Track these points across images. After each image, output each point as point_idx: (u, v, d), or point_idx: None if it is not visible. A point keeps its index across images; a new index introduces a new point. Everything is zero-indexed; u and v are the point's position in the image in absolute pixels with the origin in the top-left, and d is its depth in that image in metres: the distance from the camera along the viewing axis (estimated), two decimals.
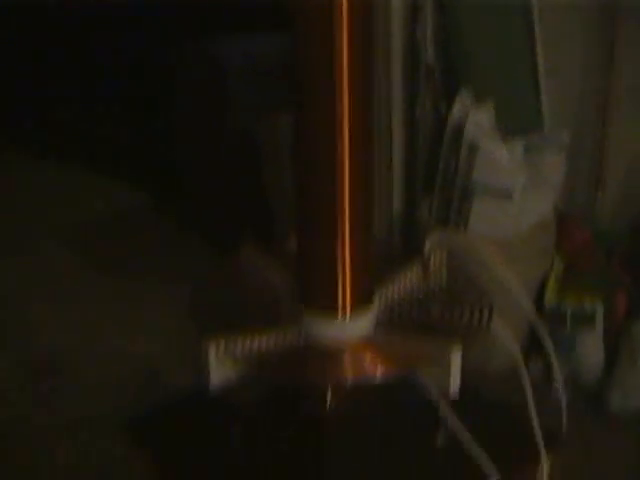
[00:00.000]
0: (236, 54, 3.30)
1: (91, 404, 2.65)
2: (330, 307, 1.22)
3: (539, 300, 2.64)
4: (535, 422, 1.45)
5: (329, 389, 1.20)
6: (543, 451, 1.44)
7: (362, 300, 1.24)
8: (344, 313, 1.23)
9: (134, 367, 2.69)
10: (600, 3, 2.68)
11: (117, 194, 4.34)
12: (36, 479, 2.35)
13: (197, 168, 3.68)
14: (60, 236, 3.90)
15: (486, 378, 1.33)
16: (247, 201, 3.34)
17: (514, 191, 2.51)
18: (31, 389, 2.78)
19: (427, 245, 1.41)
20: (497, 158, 2.49)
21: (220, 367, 1.17)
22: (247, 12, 3.54)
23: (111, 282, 3.48)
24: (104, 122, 4.51)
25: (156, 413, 1.58)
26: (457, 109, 2.61)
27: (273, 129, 3.05)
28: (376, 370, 1.14)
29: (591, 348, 2.63)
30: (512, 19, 2.75)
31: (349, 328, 1.23)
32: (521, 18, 2.75)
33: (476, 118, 2.54)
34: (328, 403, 1.20)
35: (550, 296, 2.65)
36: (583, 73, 2.78)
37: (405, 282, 1.37)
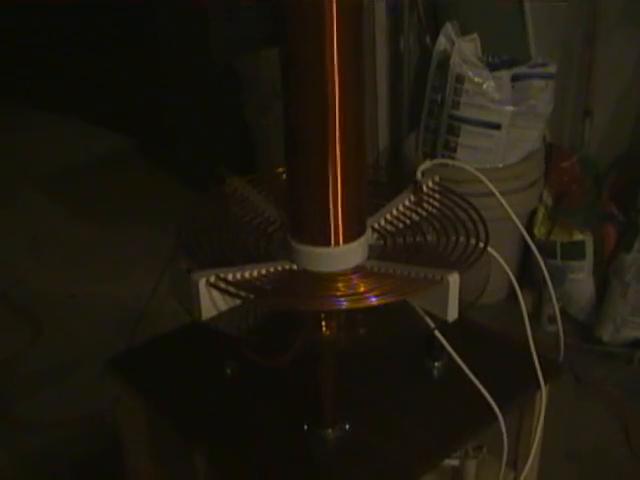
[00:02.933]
0: None
1: (79, 347, 2.64)
2: (322, 236, 1.19)
3: (528, 233, 2.61)
4: (533, 348, 1.43)
5: (323, 317, 1.17)
6: (542, 379, 1.42)
7: (354, 229, 1.21)
8: (336, 242, 1.19)
9: (123, 308, 2.68)
10: None
11: (98, 142, 4.30)
12: (23, 425, 2.34)
13: (179, 108, 3.62)
14: (43, 187, 3.86)
15: (480, 309, 1.29)
16: (229, 137, 3.30)
17: (502, 123, 2.47)
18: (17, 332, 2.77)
19: (419, 172, 1.38)
20: (484, 89, 2.45)
21: (211, 299, 1.14)
22: None
23: (97, 226, 3.46)
24: (86, 66, 4.41)
25: (146, 348, 1.56)
26: (442, 41, 2.56)
27: (254, 64, 3.00)
28: (371, 298, 1.10)
29: (581, 281, 2.63)
30: None
31: (342, 257, 1.20)
32: None
33: (462, 49, 2.49)
34: (323, 331, 1.17)
35: (539, 229, 2.63)
36: (570, 2, 2.72)
37: (398, 209, 1.34)
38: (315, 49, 1.09)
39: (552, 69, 2.56)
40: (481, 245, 1.23)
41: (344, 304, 1.09)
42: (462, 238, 1.26)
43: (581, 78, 2.78)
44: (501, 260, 1.35)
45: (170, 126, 3.69)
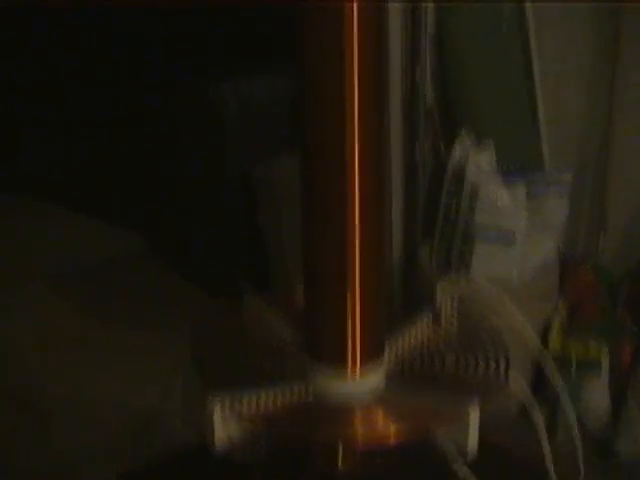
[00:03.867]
0: (233, 98, 3.26)
1: (81, 452, 2.59)
2: (339, 361, 1.16)
3: (542, 345, 2.58)
4: (552, 470, 1.39)
5: (340, 448, 1.14)
6: None
7: (373, 354, 1.19)
8: (354, 367, 1.17)
9: (129, 418, 2.63)
10: (602, 48, 2.66)
11: (109, 241, 4.29)
12: None
13: (192, 214, 3.63)
14: (51, 283, 3.84)
15: (498, 428, 1.26)
16: (244, 248, 3.30)
17: (516, 234, 2.46)
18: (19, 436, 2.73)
19: (438, 294, 1.36)
20: (499, 201, 2.45)
21: (225, 426, 1.10)
22: (244, 55, 3.52)
23: (105, 331, 3.43)
24: (97, 167, 4.43)
25: (153, 468, 1.52)
26: (458, 151, 2.58)
27: (270, 174, 3.02)
28: (389, 429, 1.07)
29: (597, 395, 2.57)
30: (512, 59, 2.73)
31: (359, 383, 1.17)
32: (521, 58, 2.73)
33: (477, 160, 2.50)
34: (339, 463, 1.14)
35: (554, 342, 2.60)
36: (584, 113, 2.75)
37: (416, 333, 1.32)
38: (335, 165, 1.09)
39: (567, 177, 2.57)
40: (502, 371, 1.20)
41: (361, 438, 1.06)
42: (481, 362, 1.24)
43: (595, 188, 2.78)
44: (519, 382, 1.32)
45: (182, 228, 3.69)
